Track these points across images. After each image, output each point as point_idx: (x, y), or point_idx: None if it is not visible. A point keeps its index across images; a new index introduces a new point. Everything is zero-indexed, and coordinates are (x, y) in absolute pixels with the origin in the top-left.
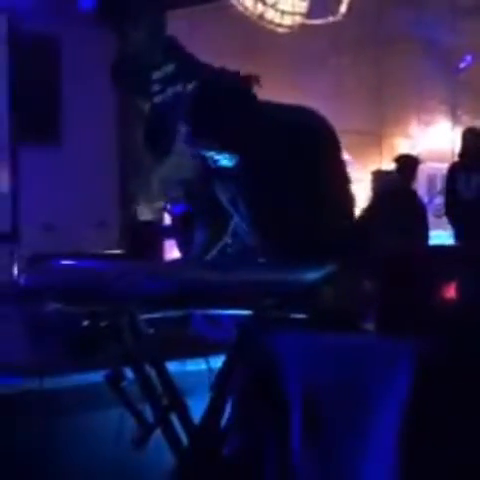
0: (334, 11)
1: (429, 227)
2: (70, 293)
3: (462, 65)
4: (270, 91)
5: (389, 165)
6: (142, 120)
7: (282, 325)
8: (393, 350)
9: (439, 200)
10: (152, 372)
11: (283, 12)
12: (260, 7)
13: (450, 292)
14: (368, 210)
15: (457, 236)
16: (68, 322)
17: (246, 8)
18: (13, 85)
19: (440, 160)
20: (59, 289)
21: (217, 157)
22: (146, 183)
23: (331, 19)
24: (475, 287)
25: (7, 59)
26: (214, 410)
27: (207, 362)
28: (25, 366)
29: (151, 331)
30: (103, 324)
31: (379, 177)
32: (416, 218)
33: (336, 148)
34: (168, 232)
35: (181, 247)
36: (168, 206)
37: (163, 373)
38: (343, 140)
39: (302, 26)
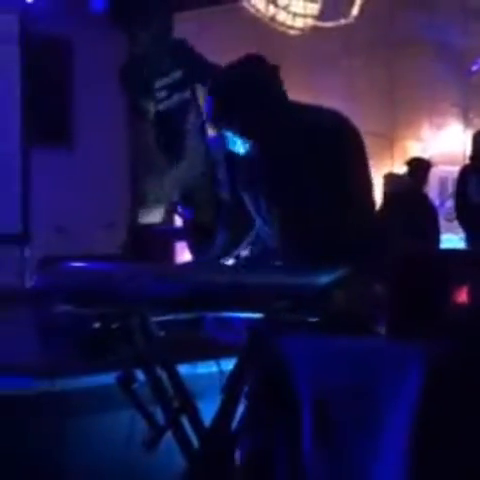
0: (346, 13)
1: (440, 231)
2: (81, 295)
3: (474, 68)
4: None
5: (401, 168)
6: (150, 123)
7: (293, 328)
8: (403, 354)
9: (450, 203)
10: (163, 374)
11: (295, 14)
12: (272, 9)
13: (462, 296)
14: (379, 213)
15: (468, 240)
16: (79, 324)
17: (257, 10)
18: (25, 87)
19: (452, 163)
20: (70, 291)
21: (235, 140)
22: (157, 185)
23: (343, 21)
24: None
25: (19, 61)
26: (225, 412)
27: (218, 364)
28: (36, 368)
29: (162, 333)
30: (114, 326)
31: (391, 180)
32: (427, 221)
33: (360, 150)
34: (179, 234)
35: (192, 249)
36: (179, 209)
37: (174, 375)
38: None
39: (314, 28)
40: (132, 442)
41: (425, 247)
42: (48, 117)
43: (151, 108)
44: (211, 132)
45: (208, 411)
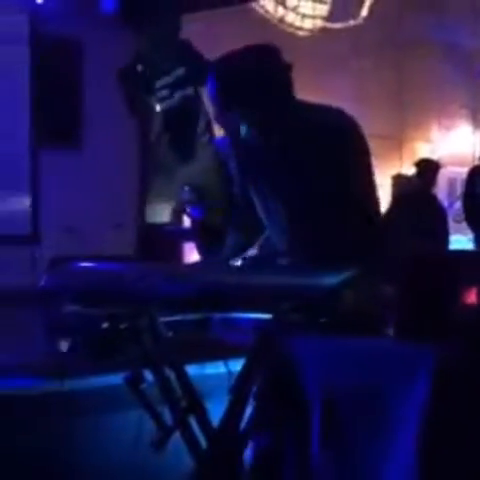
0: (355, 14)
1: (449, 232)
2: (90, 295)
3: None
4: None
5: (409, 169)
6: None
7: (302, 329)
8: (412, 355)
9: (459, 204)
10: (171, 375)
11: (304, 15)
12: (281, 10)
13: (471, 297)
14: (388, 214)
15: (477, 241)
16: (87, 324)
17: (266, 11)
18: (34, 87)
19: (461, 164)
20: (79, 291)
21: (245, 132)
22: (165, 185)
23: (352, 23)
24: None
25: (29, 61)
26: (233, 413)
27: (226, 365)
28: (45, 368)
29: (170, 334)
30: (122, 326)
31: (399, 181)
32: (436, 222)
33: (363, 149)
34: (188, 235)
35: (201, 250)
36: (188, 209)
37: (182, 376)
38: None
39: (323, 29)
40: (140, 442)
41: (434, 248)
42: (57, 117)
43: (154, 106)
44: (218, 131)
45: (216, 411)
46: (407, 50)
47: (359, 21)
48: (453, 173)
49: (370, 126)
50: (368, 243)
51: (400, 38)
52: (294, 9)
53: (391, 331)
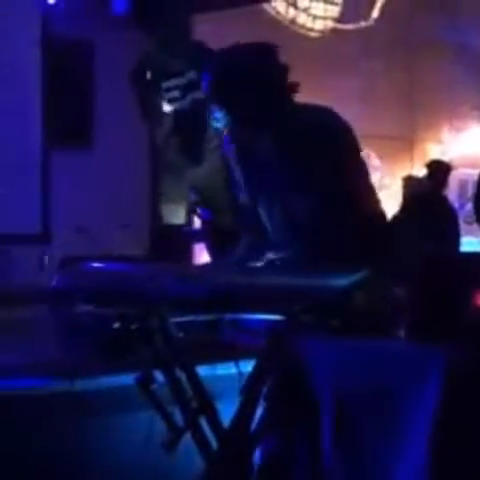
0: (366, 16)
1: (460, 233)
2: (101, 295)
3: None
4: (301, 96)
5: (420, 171)
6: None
7: (313, 330)
8: (424, 356)
9: (470, 206)
10: (182, 375)
11: (315, 17)
12: (292, 12)
13: None
14: (399, 216)
15: None
16: (99, 324)
17: (278, 12)
18: (46, 88)
19: (472, 166)
20: (90, 291)
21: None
22: (175, 186)
23: (363, 24)
24: None
25: (41, 62)
26: (244, 414)
27: (237, 366)
28: (56, 368)
29: (181, 334)
30: (134, 327)
31: (410, 183)
32: (447, 224)
33: (358, 149)
34: (198, 236)
35: (211, 251)
36: (198, 210)
37: (193, 376)
38: (374, 145)
39: (334, 31)
40: (151, 443)
41: (445, 250)
42: (69, 118)
43: (164, 107)
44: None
45: (227, 412)
46: (418, 51)
47: (370, 22)
48: (464, 175)
49: (381, 127)
50: (368, 243)
51: (411, 39)
52: (305, 10)
53: (402, 332)
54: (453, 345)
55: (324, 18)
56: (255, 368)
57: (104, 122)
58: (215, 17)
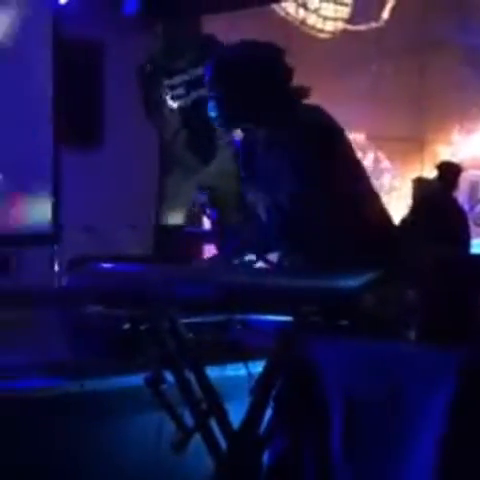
0: (377, 17)
1: (471, 235)
2: (111, 296)
3: None
4: (311, 97)
5: (430, 172)
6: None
7: (323, 331)
8: (435, 358)
9: None
10: (192, 376)
11: (325, 18)
12: (302, 12)
13: None
14: (409, 218)
15: None
16: (109, 325)
17: (288, 13)
18: (56, 88)
19: None
20: (100, 291)
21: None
22: (183, 186)
23: (374, 25)
24: None
25: (51, 62)
26: (253, 415)
27: (247, 367)
28: (66, 368)
29: (191, 335)
30: (143, 327)
31: (420, 184)
32: (458, 226)
33: (353, 149)
34: (208, 236)
35: (221, 251)
36: (207, 211)
37: (203, 377)
38: (384, 147)
39: (345, 32)
40: (160, 444)
41: (456, 252)
42: (79, 118)
43: (170, 104)
44: (237, 132)
45: (236, 413)
46: (429, 53)
47: (381, 23)
48: (475, 176)
49: (391, 129)
50: (376, 245)
51: (422, 40)
52: (315, 11)
53: (412, 334)
54: (464, 346)
55: (334, 19)
56: (265, 369)
57: (114, 122)
58: (225, 18)
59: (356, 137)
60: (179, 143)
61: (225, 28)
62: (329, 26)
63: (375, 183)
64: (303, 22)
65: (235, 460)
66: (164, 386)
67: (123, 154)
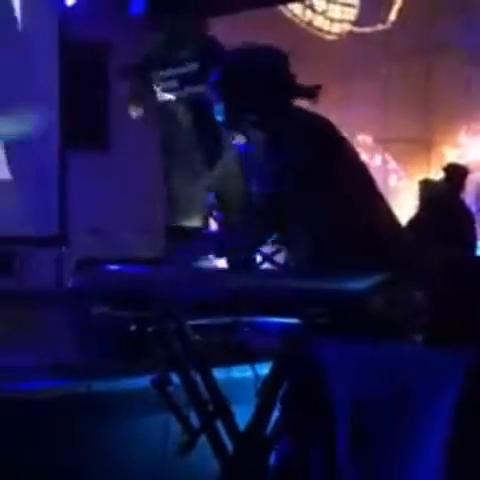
0: (384, 19)
1: (477, 237)
2: (118, 297)
3: None
4: (318, 99)
5: (437, 174)
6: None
7: (329, 334)
8: (442, 360)
9: None
10: (198, 378)
11: (332, 20)
12: (309, 14)
13: None
14: (416, 219)
15: None
16: (115, 326)
17: (295, 15)
18: (63, 90)
19: None
20: (107, 293)
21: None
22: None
23: (381, 27)
24: None
25: (58, 63)
26: (260, 417)
27: (253, 369)
28: (72, 369)
29: (197, 337)
30: (150, 329)
31: (427, 186)
32: (464, 227)
33: (352, 149)
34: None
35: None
36: (214, 213)
37: (209, 379)
38: (391, 148)
39: (352, 33)
40: (167, 445)
41: (463, 253)
42: (85, 119)
43: (159, 96)
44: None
45: (243, 415)
46: (436, 54)
47: (388, 25)
48: None
49: (398, 130)
50: (383, 248)
51: (429, 42)
52: (323, 13)
53: (420, 337)
54: (473, 348)
55: (341, 21)
56: (271, 371)
57: (121, 123)
58: (231, 18)
59: (363, 139)
60: (183, 142)
61: (230, 29)
62: (336, 28)
63: (382, 184)
64: (310, 23)
65: (241, 462)
66: (170, 388)
67: (130, 156)
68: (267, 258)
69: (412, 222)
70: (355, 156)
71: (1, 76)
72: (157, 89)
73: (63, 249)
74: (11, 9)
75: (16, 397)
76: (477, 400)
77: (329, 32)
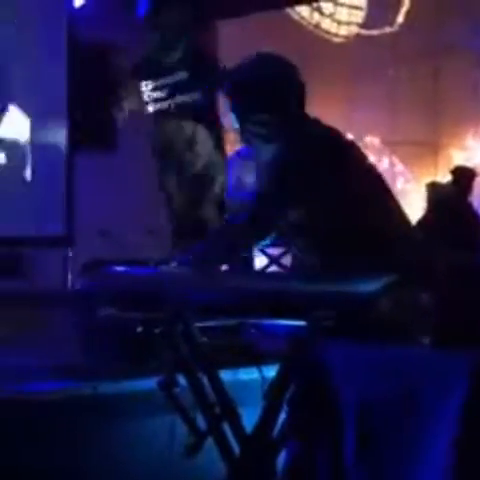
0: (391, 21)
1: None
2: (125, 299)
3: None
4: (326, 101)
5: (445, 177)
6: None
7: (336, 336)
8: (449, 363)
9: None
10: (205, 380)
11: (339, 22)
12: (316, 17)
13: None
14: (423, 222)
15: None
16: (122, 328)
17: (302, 17)
18: (71, 91)
19: None
20: (114, 295)
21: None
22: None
23: (388, 29)
24: None
25: (66, 65)
26: (267, 419)
27: (260, 371)
28: (79, 371)
29: (204, 339)
30: (157, 331)
31: (434, 189)
32: (471, 230)
33: (360, 151)
34: None
35: None
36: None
37: (216, 381)
38: (398, 151)
39: (359, 36)
40: (173, 447)
41: (470, 256)
42: (93, 120)
43: (148, 108)
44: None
45: (250, 417)
46: (443, 57)
47: (395, 28)
48: None
49: (405, 133)
50: (390, 250)
51: (437, 45)
52: (330, 16)
53: (427, 339)
54: (478, 350)
55: (348, 23)
56: (278, 373)
57: (128, 124)
58: (239, 20)
59: (371, 141)
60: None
61: (239, 32)
62: (343, 30)
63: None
64: (317, 26)
65: (248, 464)
66: (177, 389)
67: (137, 157)
68: (274, 260)
69: (420, 223)
70: (363, 158)
71: (9, 76)
72: (146, 100)
73: (69, 250)
74: (19, 10)
75: (21, 398)
76: None
77: (336, 35)
